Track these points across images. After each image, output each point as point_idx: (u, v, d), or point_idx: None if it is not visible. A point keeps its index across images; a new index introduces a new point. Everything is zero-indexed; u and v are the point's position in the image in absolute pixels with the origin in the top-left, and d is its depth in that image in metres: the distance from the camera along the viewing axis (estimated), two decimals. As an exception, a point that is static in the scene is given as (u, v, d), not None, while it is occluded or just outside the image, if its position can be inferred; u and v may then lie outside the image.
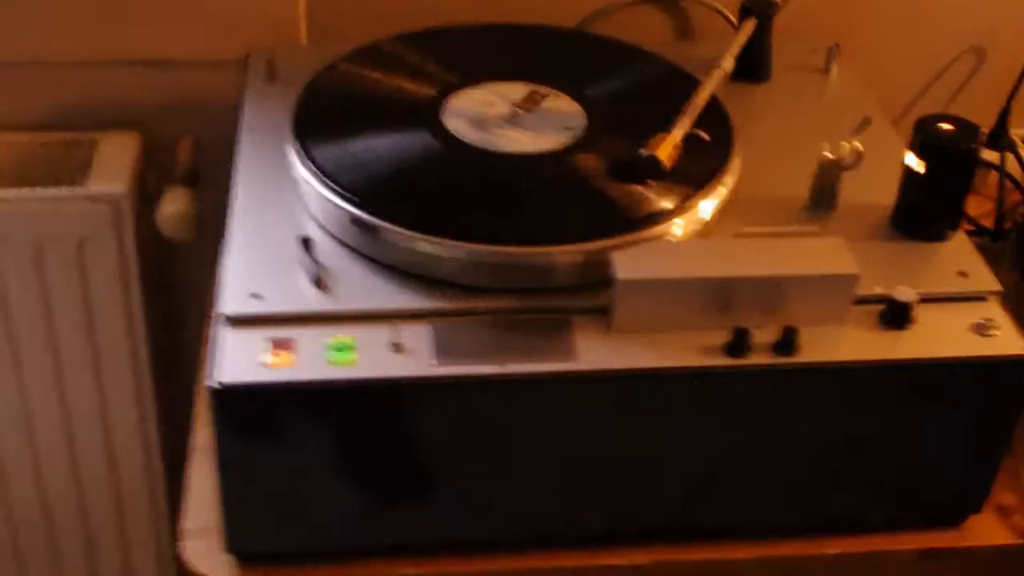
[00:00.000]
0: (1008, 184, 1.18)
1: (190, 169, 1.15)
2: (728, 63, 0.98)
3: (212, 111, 1.12)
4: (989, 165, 1.20)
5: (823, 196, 0.91)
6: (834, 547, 0.87)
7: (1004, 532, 0.89)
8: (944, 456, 0.85)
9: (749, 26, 1.03)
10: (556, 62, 1.00)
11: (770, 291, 0.80)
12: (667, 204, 0.84)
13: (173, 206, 1.10)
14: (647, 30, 1.18)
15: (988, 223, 1.17)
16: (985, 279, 0.86)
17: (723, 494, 0.85)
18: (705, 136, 0.88)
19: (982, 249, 1.13)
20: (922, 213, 0.88)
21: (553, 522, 0.84)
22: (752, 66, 1.06)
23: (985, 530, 0.90)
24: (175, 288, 1.24)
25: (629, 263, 0.79)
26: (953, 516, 0.89)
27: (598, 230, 0.81)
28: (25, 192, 1.09)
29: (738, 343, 0.79)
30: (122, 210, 1.09)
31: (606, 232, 0.81)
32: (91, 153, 1.13)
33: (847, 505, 0.87)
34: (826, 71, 1.08)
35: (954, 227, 0.89)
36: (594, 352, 0.78)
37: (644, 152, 0.85)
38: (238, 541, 0.82)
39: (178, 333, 1.25)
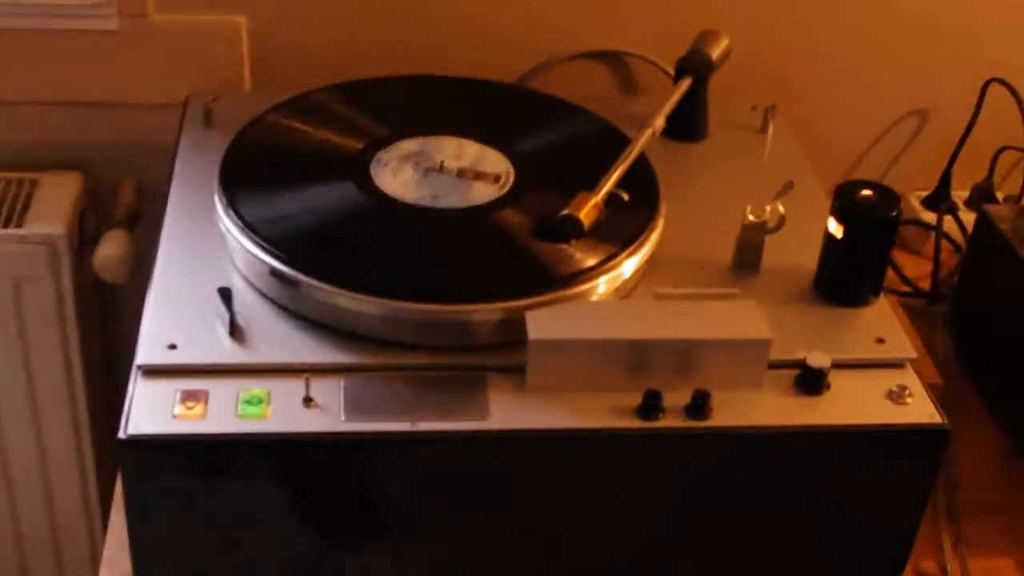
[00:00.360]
0: (947, 246, 1.19)
1: (131, 211, 1.16)
2: (659, 122, 0.98)
3: (155, 153, 1.12)
4: (928, 227, 1.21)
5: (746, 258, 0.91)
6: (750, 609, 0.88)
7: (923, 597, 0.90)
8: (860, 521, 0.85)
9: (684, 85, 1.04)
10: (487, 116, 1.01)
11: (683, 354, 0.80)
12: (587, 263, 0.84)
13: (110, 248, 1.10)
14: (590, 84, 1.19)
15: (926, 285, 1.18)
16: (901, 346, 0.86)
17: (642, 554, 0.85)
18: (625, 197, 0.89)
19: (918, 312, 1.14)
20: (842, 278, 0.89)
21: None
22: (688, 124, 1.07)
23: (906, 596, 0.90)
24: (113, 330, 1.24)
25: (542, 323, 0.80)
26: (878, 578, 0.90)
27: (516, 289, 0.82)
28: (-39, 232, 1.09)
29: (650, 405, 0.79)
30: (59, 251, 1.10)
31: (524, 291, 0.81)
32: (31, 192, 1.13)
33: (768, 566, 0.87)
34: (763, 131, 1.09)
35: (875, 293, 0.90)
36: (507, 411, 0.78)
37: (565, 212, 0.86)
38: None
39: (116, 376, 1.25)
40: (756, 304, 0.83)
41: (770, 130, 1.09)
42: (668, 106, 1.01)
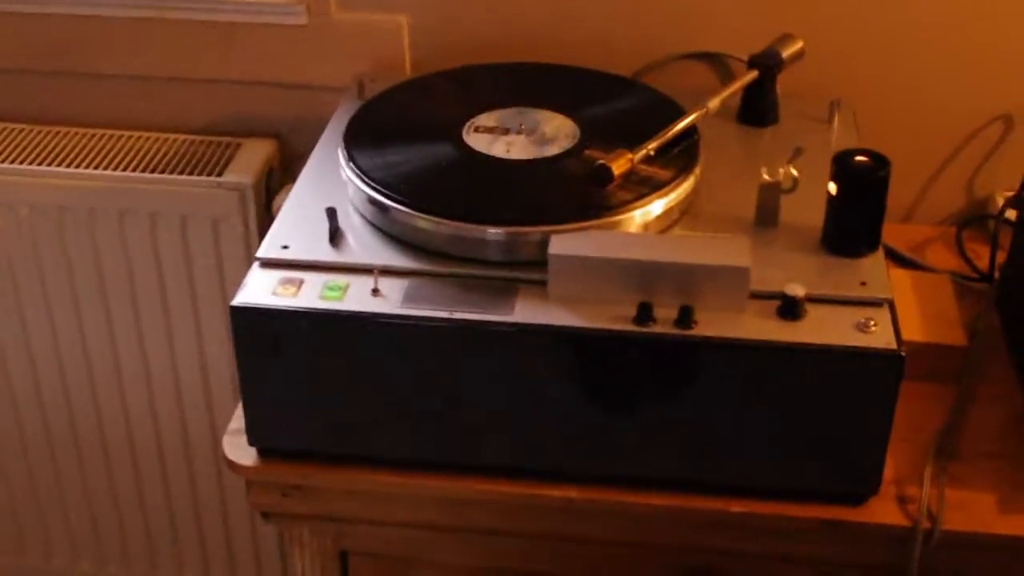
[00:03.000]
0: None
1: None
2: (713, 103, 1.16)
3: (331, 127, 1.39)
4: (990, 217, 1.31)
5: (765, 215, 1.07)
6: (738, 506, 1.03)
7: (898, 515, 1.02)
8: (832, 438, 0.99)
9: (748, 76, 1.21)
10: (568, 93, 1.21)
11: (676, 275, 0.98)
12: (613, 202, 1.04)
13: (283, 198, 1.36)
14: (694, 80, 1.36)
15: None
16: (881, 288, 1.00)
17: (638, 445, 1.02)
18: (651, 152, 1.07)
19: (973, 291, 1.26)
20: (838, 232, 1.04)
21: (497, 454, 1.04)
22: (758, 112, 1.23)
23: (882, 511, 1.03)
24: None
25: (563, 243, 0.99)
26: (856, 497, 1.03)
27: (551, 217, 1.02)
28: (176, 178, 1.39)
29: (643, 315, 0.97)
30: (247, 198, 1.38)
31: (557, 219, 1.02)
32: (233, 153, 1.42)
33: (754, 472, 1.02)
34: (829, 122, 1.24)
35: (871, 247, 1.04)
36: (528, 311, 0.98)
37: (600, 162, 1.05)
38: (255, 437, 1.06)
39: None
40: (745, 240, 1.00)
41: (835, 122, 1.24)
42: (726, 92, 1.18)
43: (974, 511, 1.03)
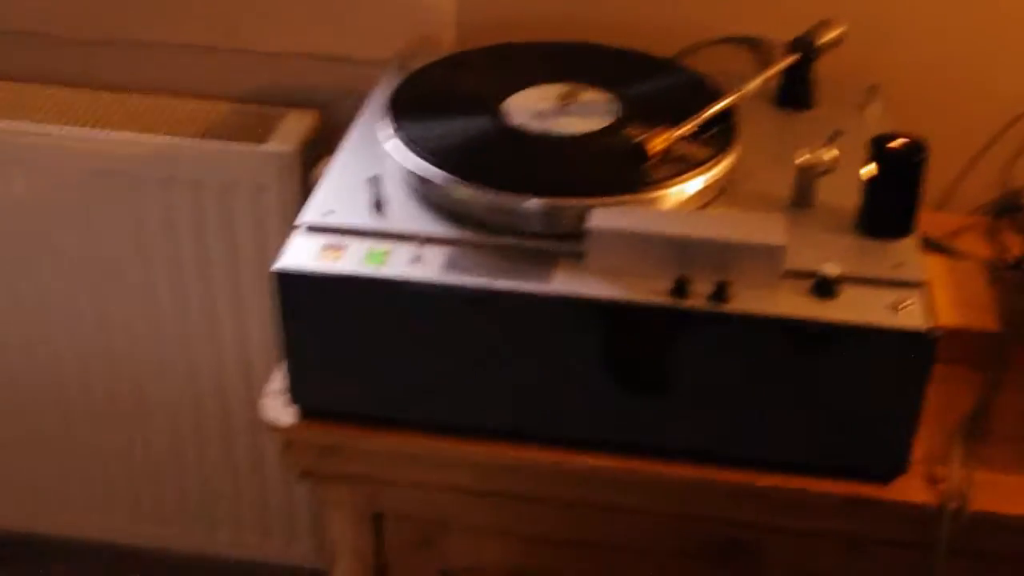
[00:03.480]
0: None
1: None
2: (751, 86, 1.17)
3: (374, 99, 1.41)
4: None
5: (802, 196, 1.09)
6: (766, 480, 1.05)
7: (926, 494, 1.04)
8: (862, 416, 1.01)
9: (786, 60, 1.22)
10: (613, 72, 1.22)
11: (712, 251, 0.99)
12: (650, 179, 1.05)
13: (321, 168, 1.39)
14: (735, 63, 1.38)
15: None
16: (915, 271, 1.01)
17: (671, 416, 1.04)
18: (689, 131, 1.09)
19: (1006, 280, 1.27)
20: (874, 215, 1.05)
21: (530, 422, 1.06)
22: (796, 96, 1.25)
23: (911, 490, 1.04)
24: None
25: (602, 216, 1.01)
26: (883, 474, 1.04)
27: (590, 190, 1.03)
28: (220, 144, 1.41)
29: (680, 288, 0.99)
30: (287, 166, 1.40)
31: (596, 192, 1.03)
32: (277, 123, 1.44)
33: (783, 448, 1.04)
34: (865, 107, 1.25)
35: (906, 231, 1.05)
36: (565, 282, 1.00)
37: (637, 140, 1.07)
38: (297, 396, 1.08)
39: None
40: (780, 218, 1.01)
41: (871, 107, 1.25)
42: (764, 74, 1.19)
43: (1002, 492, 1.04)
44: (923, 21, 1.34)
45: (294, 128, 1.43)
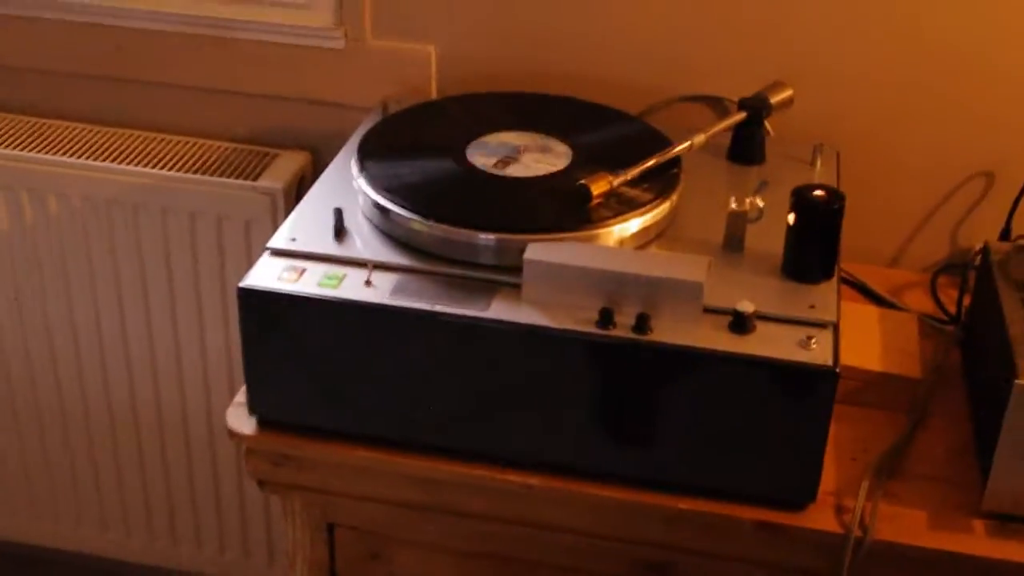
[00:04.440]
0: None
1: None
2: (698, 139, 1.26)
3: (352, 140, 1.51)
4: (963, 265, 1.39)
5: (732, 242, 1.17)
6: (686, 503, 1.11)
7: (833, 523, 1.10)
8: (772, 445, 1.08)
9: (735, 117, 1.30)
10: (567, 122, 1.32)
11: (637, 285, 1.07)
12: (591, 217, 1.14)
13: (309, 203, 1.49)
14: (696, 119, 1.46)
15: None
16: (828, 312, 1.09)
17: (596, 439, 1.11)
18: (631, 177, 1.17)
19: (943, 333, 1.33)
20: (796, 260, 1.13)
21: (468, 438, 1.14)
22: (746, 151, 1.33)
23: (819, 518, 1.11)
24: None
25: (538, 250, 1.10)
26: (795, 502, 1.11)
27: (531, 227, 1.12)
28: (214, 180, 1.52)
29: (604, 318, 1.07)
30: (277, 202, 1.50)
31: (537, 229, 1.12)
32: (270, 162, 1.55)
33: (703, 474, 1.11)
34: (812, 164, 1.33)
35: (827, 275, 1.13)
36: (502, 310, 1.09)
37: (581, 182, 1.15)
38: (255, 407, 1.17)
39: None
40: (704, 259, 1.09)
41: (818, 164, 1.33)
42: (713, 130, 1.28)
43: (906, 524, 1.10)
44: (872, 91, 1.43)
45: (286, 167, 1.54)
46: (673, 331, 1.07)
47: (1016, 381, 1.05)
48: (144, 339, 1.63)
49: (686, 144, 1.25)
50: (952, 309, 1.36)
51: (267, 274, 1.13)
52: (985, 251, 1.26)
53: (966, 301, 1.34)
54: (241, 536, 1.79)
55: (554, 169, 1.23)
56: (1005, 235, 1.42)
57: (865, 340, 1.27)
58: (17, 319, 1.66)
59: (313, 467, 1.19)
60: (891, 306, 1.38)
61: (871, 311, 1.33)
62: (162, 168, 1.55)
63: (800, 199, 1.11)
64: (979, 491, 1.12)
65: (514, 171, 1.22)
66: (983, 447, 1.15)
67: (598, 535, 1.18)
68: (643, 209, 1.16)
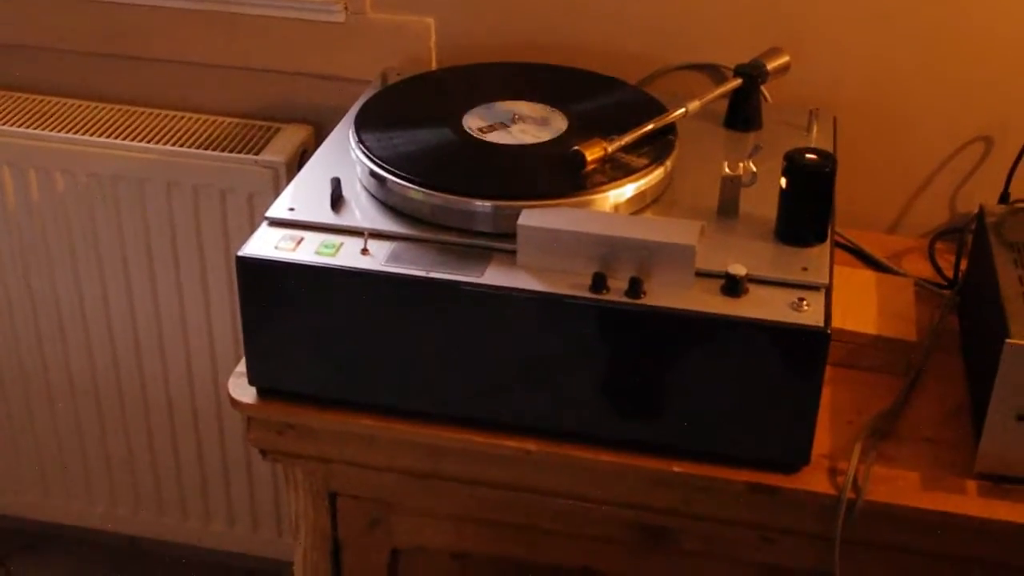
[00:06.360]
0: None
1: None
2: (693, 105, 1.26)
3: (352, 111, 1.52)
4: (959, 230, 1.39)
5: (726, 206, 1.17)
6: (680, 467, 1.13)
7: (827, 485, 1.11)
8: (765, 407, 1.09)
9: (730, 84, 1.31)
10: (564, 90, 1.32)
11: (630, 250, 1.08)
12: (584, 184, 1.15)
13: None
14: (694, 87, 1.46)
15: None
16: (820, 275, 1.10)
17: (591, 403, 1.12)
18: (625, 143, 1.18)
19: (940, 297, 1.34)
20: (788, 223, 1.13)
21: (465, 405, 1.15)
22: (743, 118, 1.34)
23: (813, 480, 1.12)
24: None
25: (532, 216, 1.11)
26: (789, 464, 1.12)
27: (526, 193, 1.13)
28: (218, 154, 1.53)
29: (597, 283, 1.08)
30: (280, 175, 1.51)
31: (531, 196, 1.13)
32: (272, 136, 1.56)
33: (698, 437, 1.12)
34: (808, 130, 1.34)
35: (819, 239, 1.13)
36: (496, 275, 1.10)
37: (575, 148, 1.16)
38: (255, 376, 1.19)
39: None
40: (696, 223, 1.10)
41: (814, 129, 1.33)
42: (709, 96, 1.28)
43: (899, 486, 1.11)
44: (870, 56, 1.43)
45: (288, 141, 1.55)
46: (666, 295, 1.08)
47: (1008, 341, 1.06)
48: (151, 313, 1.65)
49: (681, 110, 1.25)
50: (950, 274, 1.37)
51: (265, 243, 1.14)
52: (981, 213, 1.26)
53: (963, 266, 1.34)
54: (249, 509, 1.81)
55: (550, 136, 1.23)
56: (1004, 199, 1.42)
57: (862, 304, 1.28)
58: (25, 295, 1.69)
59: (313, 436, 1.21)
60: (888, 271, 1.38)
61: (868, 276, 1.34)
62: (166, 144, 1.56)
63: (792, 163, 1.12)
64: (973, 453, 1.13)
65: (509, 138, 1.23)
66: (977, 409, 1.16)
67: (594, 499, 1.19)
68: (638, 175, 1.17)
